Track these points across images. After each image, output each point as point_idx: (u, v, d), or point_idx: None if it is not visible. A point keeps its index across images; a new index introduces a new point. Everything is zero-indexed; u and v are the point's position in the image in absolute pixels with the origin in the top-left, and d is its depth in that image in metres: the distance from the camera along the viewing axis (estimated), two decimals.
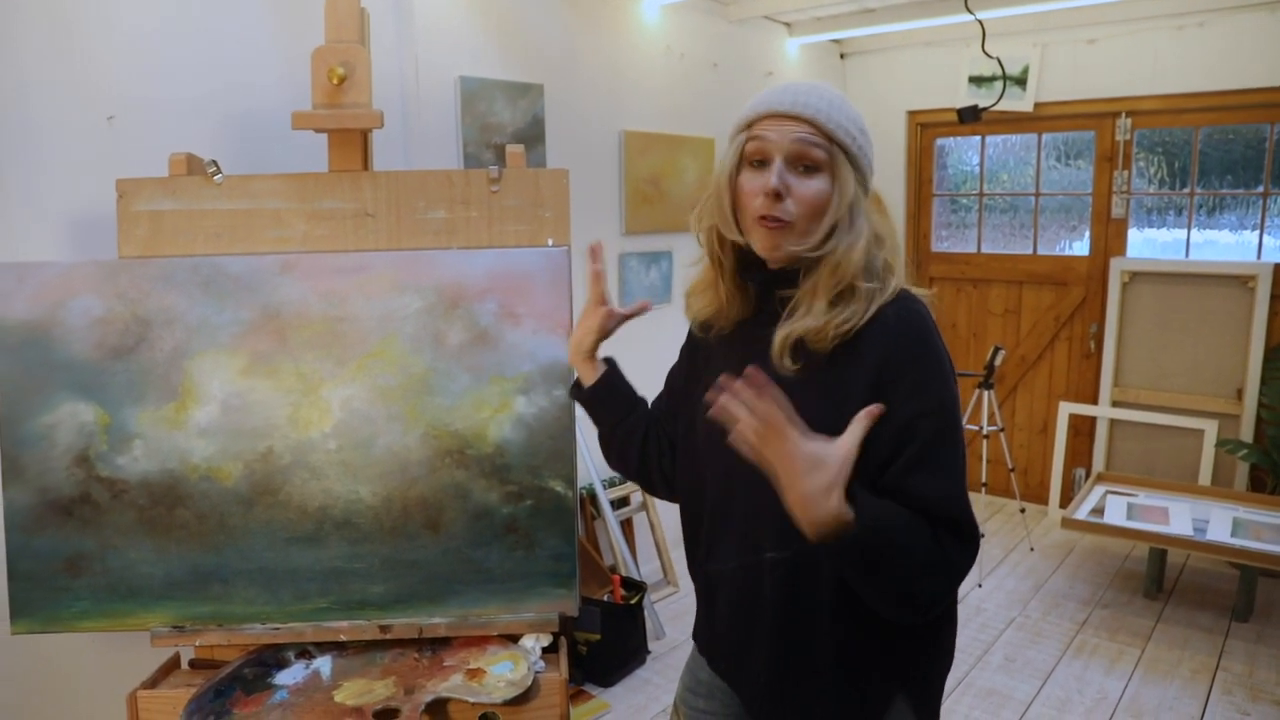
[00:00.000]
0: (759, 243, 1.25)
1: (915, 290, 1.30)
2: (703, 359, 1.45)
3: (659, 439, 1.52)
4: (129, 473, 1.77)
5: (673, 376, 1.54)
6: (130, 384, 1.77)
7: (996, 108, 4.21)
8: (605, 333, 1.52)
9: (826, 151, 1.22)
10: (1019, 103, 4.54)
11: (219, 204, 1.87)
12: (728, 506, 1.33)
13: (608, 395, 1.54)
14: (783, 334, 1.24)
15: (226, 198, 1.87)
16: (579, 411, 1.81)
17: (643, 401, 1.57)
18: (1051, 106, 4.54)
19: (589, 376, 1.53)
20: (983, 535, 3.66)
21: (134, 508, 1.78)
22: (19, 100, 2.07)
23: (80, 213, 2.17)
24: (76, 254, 2.16)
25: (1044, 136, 4.69)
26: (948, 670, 1.40)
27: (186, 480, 1.78)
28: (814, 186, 1.22)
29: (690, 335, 1.52)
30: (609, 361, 1.57)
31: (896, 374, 1.20)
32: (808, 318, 1.22)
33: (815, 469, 1.09)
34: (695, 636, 1.53)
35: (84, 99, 2.16)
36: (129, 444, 1.77)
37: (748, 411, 1.10)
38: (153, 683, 1.76)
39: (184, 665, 1.88)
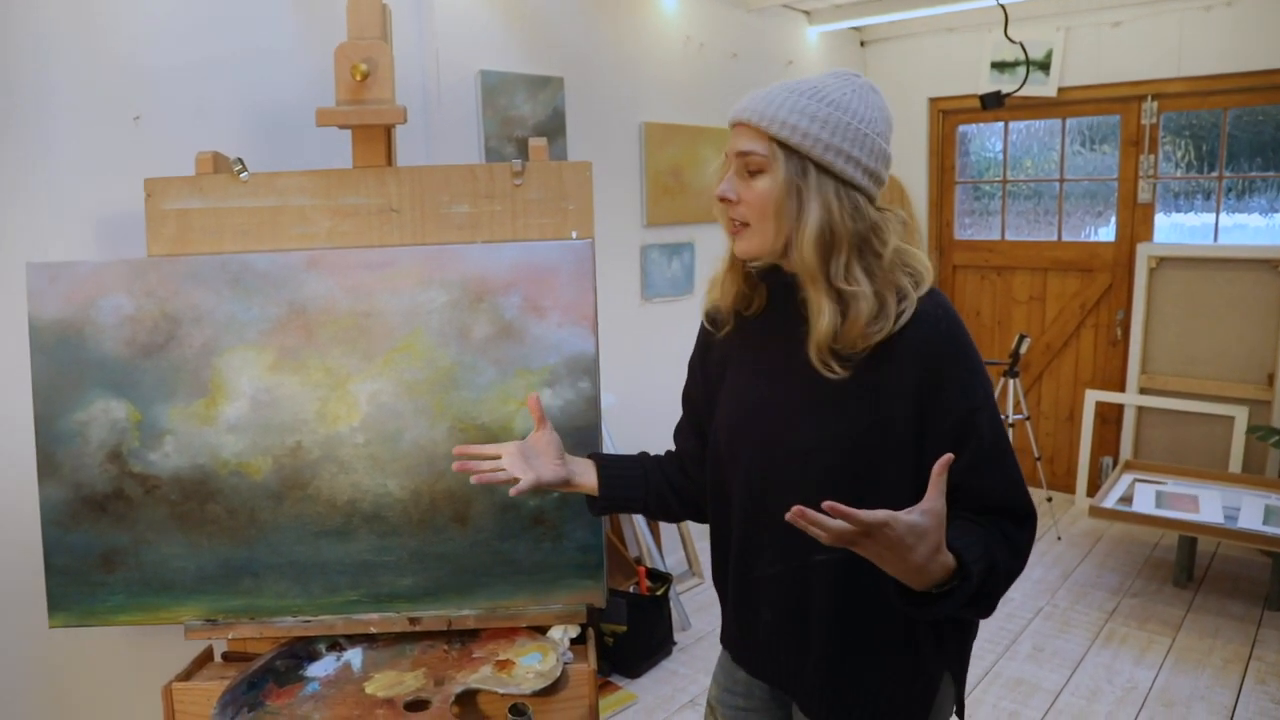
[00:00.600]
0: (733, 246, 1.33)
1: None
2: (717, 365, 1.45)
3: (684, 479, 1.53)
4: (161, 468, 1.79)
5: (689, 395, 1.53)
6: (161, 381, 1.79)
7: (1020, 93, 4.16)
8: (557, 448, 1.46)
9: (765, 150, 1.24)
10: (1042, 88, 4.50)
11: (245, 201, 1.88)
12: (760, 514, 1.33)
13: (619, 490, 1.51)
14: (813, 343, 1.25)
15: (252, 195, 1.88)
16: (605, 402, 1.82)
17: (648, 463, 1.55)
18: (1076, 91, 4.49)
19: (588, 485, 1.49)
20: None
21: (166, 503, 1.80)
22: (47, 102, 2.09)
23: (108, 212, 2.19)
24: (105, 253, 2.19)
25: (1068, 121, 4.64)
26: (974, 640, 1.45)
27: (217, 475, 1.80)
28: (757, 188, 1.26)
29: (701, 344, 1.50)
30: (593, 458, 1.51)
31: (946, 372, 1.22)
32: (821, 319, 1.23)
33: (920, 541, 1.04)
34: (726, 644, 1.51)
35: (110, 100, 2.18)
36: (160, 440, 1.79)
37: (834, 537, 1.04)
38: (187, 675, 1.78)
39: (217, 658, 1.90)
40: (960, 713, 1.43)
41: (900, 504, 1.12)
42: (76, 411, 1.78)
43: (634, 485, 1.51)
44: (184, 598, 1.82)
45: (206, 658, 1.87)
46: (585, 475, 1.48)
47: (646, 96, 3.74)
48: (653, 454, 1.58)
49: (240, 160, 1.89)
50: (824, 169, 1.22)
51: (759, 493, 1.34)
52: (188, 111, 2.31)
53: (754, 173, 1.26)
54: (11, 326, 2.00)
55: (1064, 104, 4.56)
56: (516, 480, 1.38)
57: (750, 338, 1.39)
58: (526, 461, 1.41)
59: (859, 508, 1.10)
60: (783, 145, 1.23)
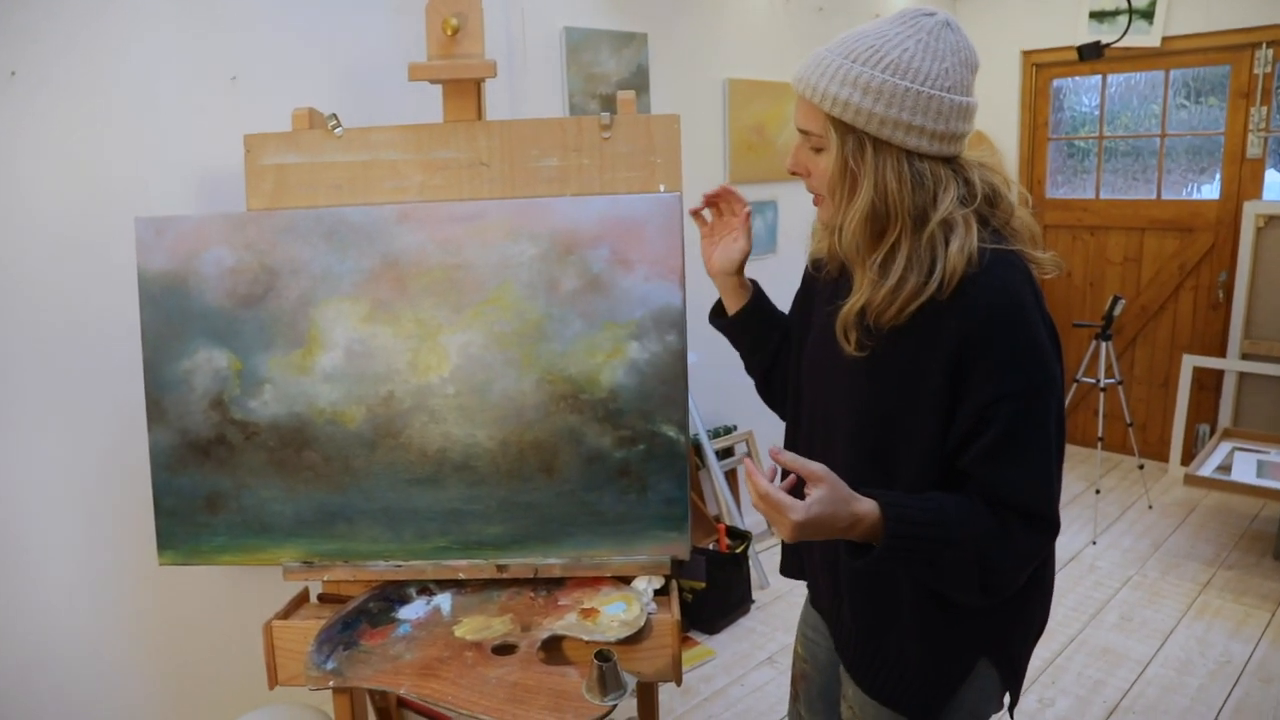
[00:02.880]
0: (819, 213, 1.32)
1: (1028, 252, 1.21)
2: (803, 307, 1.49)
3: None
4: (260, 416, 1.86)
5: (790, 310, 1.57)
6: (260, 331, 1.84)
7: (1120, 43, 3.98)
8: (748, 239, 1.55)
9: (821, 129, 1.20)
10: (1145, 37, 4.29)
11: (339, 156, 1.92)
12: (820, 453, 1.31)
13: (755, 321, 1.57)
14: (841, 316, 1.24)
15: (346, 150, 1.92)
16: (691, 358, 1.82)
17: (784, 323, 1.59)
18: (1181, 40, 4.27)
19: (736, 299, 1.57)
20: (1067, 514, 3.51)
21: (265, 449, 1.86)
22: (152, 68, 2.16)
23: (209, 168, 2.26)
24: (206, 208, 2.26)
25: (1172, 73, 4.42)
26: (1037, 636, 1.38)
27: (313, 423, 1.85)
28: (821, 165, 1.23)
29: (804, 281, 1.52)
30: (754, 284, 1.60)
31: (978, 353, 1.15)
32: (855, 294, 1.22)
33: (826, 523, 1.12)
34: (787, 572, 1.59)
35: (209, 62, 2.24)
36: (259, 388, 1.85)
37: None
38: (286, 614, 1.85)
39: (312, 600, 1.97)
40: (1013, 702, 1.39)
41: (920, 485, 1.18)
42: (182, 360, 1.85)
43: (776, 326, 1.57)
44: (282, 540, 1.88)
45: (303, 599, 1.94)
46: (740, 290, 1.58)
47: (730, 53, 3.68)
48: None
49: (335, 116, 1.93)
50: (883, 143, 1.16)
51: (808, 445, 1.39)
52: (282, 70, 2.35)
53: (817, 149, 1.23)
54: (122, 278, 2.08)
55: (1168, 54, 4.35)
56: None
57: (824, 294, 1.38)
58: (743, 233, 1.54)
59: (880, 481, 1.19)
60: (836, 122, 1.17)
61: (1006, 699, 1.38)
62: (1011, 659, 1.34)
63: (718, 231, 1.57)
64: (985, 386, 1.15)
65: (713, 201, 1.56)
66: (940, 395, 1.18)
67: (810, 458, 1.16)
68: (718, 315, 1.62)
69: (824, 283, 1.40)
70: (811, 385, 1.41)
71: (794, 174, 1.29)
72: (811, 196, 1.31)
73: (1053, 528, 1.19)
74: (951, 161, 1.20)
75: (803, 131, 1.23)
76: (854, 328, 1.22)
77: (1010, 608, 1.28)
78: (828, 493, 1.10)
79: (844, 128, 1.17)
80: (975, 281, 1.15)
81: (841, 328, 1.24)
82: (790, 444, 1.47)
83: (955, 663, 1.30)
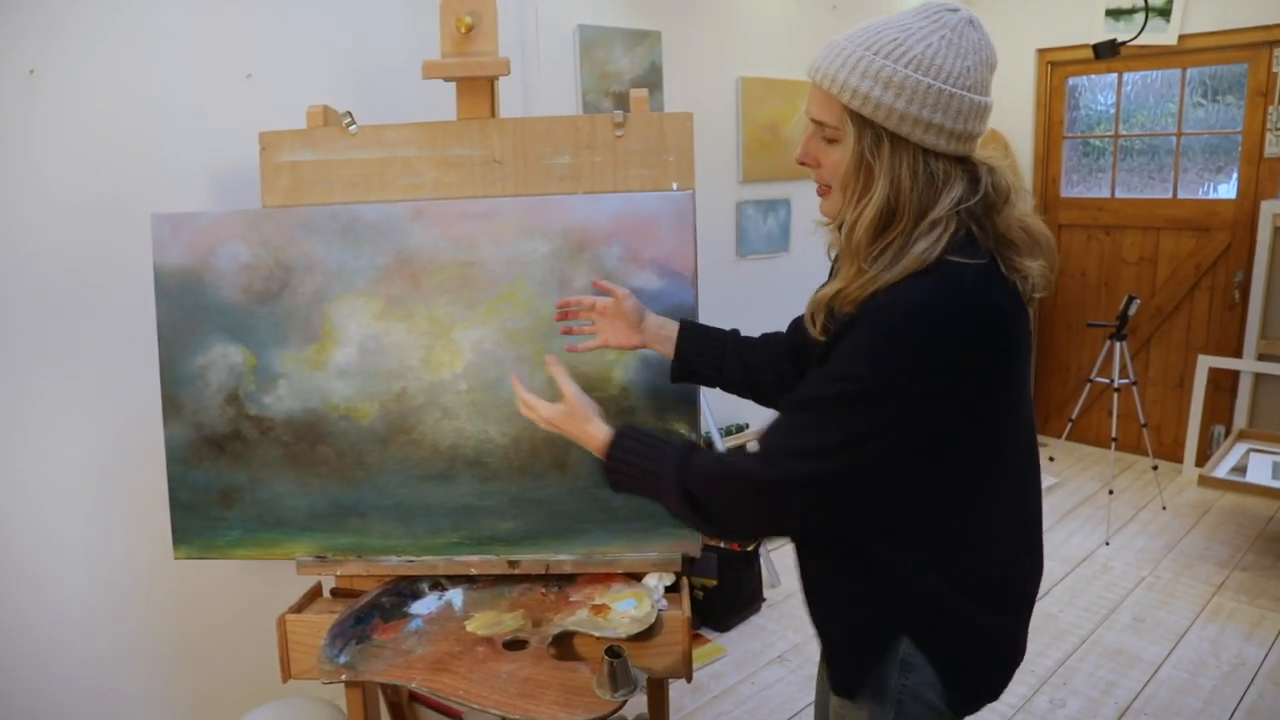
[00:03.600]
0: (821, 205, 1.30)
1: (1016, 261, 1.17)
2: None
3: (768, 360, 1.56)
4: (274, 411, 1.87)
5: None
6: (275, 327, 1.85)
7: (1136, 41, 3.96)
8: (633, 314, 1.62)
9: (837, 121, 1.17)
10: (1161, 35, 4.27)
11: (354, 153, 1.93)
12: None
13: (694, 359, 1.60)
14: (815, 298, 1.25)
15: (361, 147, 1.93)
16: None
17: (733, 341, 1.60)
18: (1198, 38, 4.24)
19: (667, 351, 1.63)
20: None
21: (279, 444, 1.87)
22: (168, 65, 2.18)
23: (225, 166, 2.28)
24: (222, 204, 2.27)
25: (1188, 71, 4.39)
26: (1005, 659, 1.32)
27: (327, 419, 1.87)
28: (833, 157, 1.21)
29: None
30: (681, 324, 1.62)
31: (842, 332, 1.15)
32: (837, 280, 1.21)
33: (569, 419, 1.42)
34: None
35: (225, 59, 2.26)
36: (274, 384, 1.87)
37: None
38: (299, 608, 1.87)
39: (325, 594, 1.98)
40: (966, 706, 1.30)
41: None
42: (197, 355, 1.86)
43: (711, 356, 1.59)
44: (296, 535, 1.90)
45: (316, 593, 1.96)
46: (665, 344, 1.61)
47: (744, 51, 3.68)
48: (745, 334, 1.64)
49: (349, 114, 1.94)
50: (901, 139, 1.14)
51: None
52: (297, 68, 2.37)
53: (830, 140, 1.20)
54: (138, 274, 2.10)
55: (1185, 52, 4.32)
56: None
57: None
58: (610, 324, 1.63)
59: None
60: (854, 115, 1.15)
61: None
62: (950, 658, 1.26)
63: (597, 327, 1.65)
64: (827, 362, 1.15)
65: (565, 315, 1.67)
66: None
67: None
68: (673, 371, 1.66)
69: None
70: None
71: (802, 164, 1.26)
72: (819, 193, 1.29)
73: (759, 471, 1.19)
74: (964, 161, 1.18)
75: (816, 122, 1.21)
76: (822, 311, 1.25)
77: (922, 586, 1.23)
78: (564, 408, 1.42)
79: (862, 121, 1.14)
80: (916, 279, 1.12)
81: (810, 311, 1.28)
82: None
83: (869, 636, 1.28)
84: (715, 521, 1.26)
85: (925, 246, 1.12)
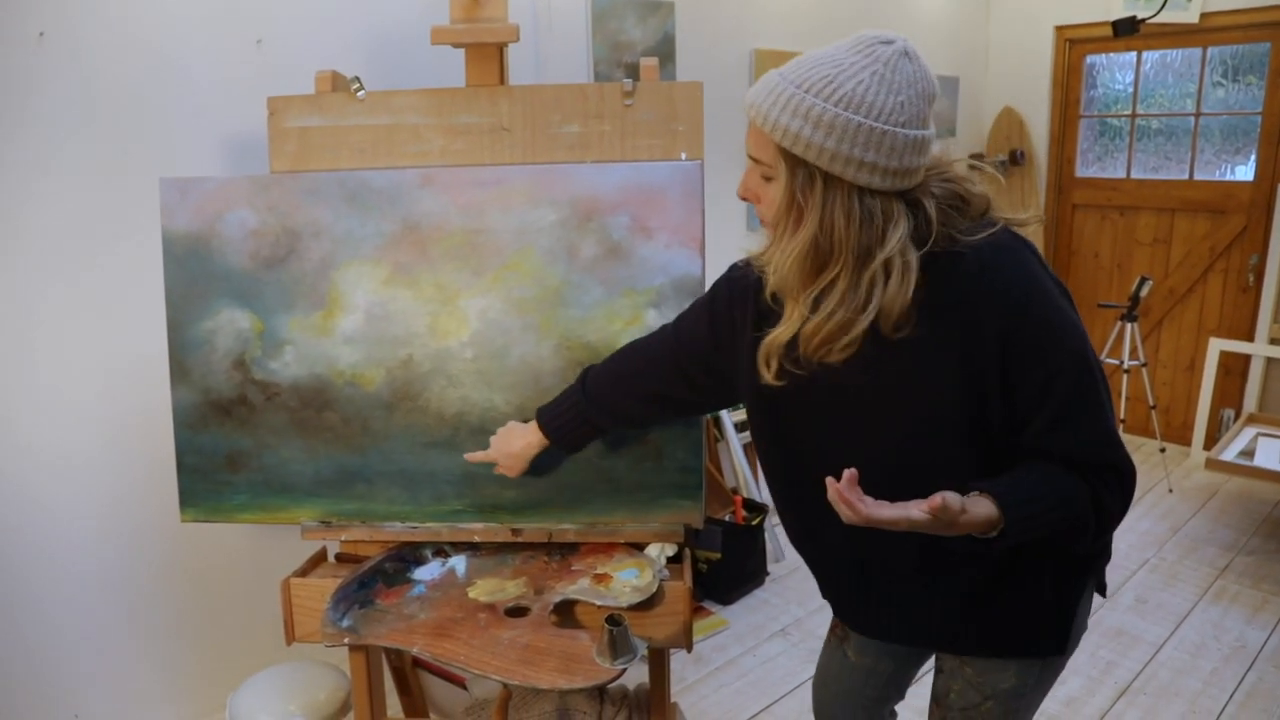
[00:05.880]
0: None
1: (1013, 218, 1.24)
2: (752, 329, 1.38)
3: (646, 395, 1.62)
4: (281, 377, 1.87)
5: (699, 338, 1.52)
6: (282, 292, 1.86)
7: (1157, 19, 3.90)
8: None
9: (770, 159, 1.17)
10: (1183, 13, 4.21)
11: (362, 120, 1.92)
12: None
13: (568, 436, 1.71)
14: (765, 344, 1.24)
15: (369, 113, 1.92)
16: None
17: (585, 401, 1.66)
18: (1220, 17, 4.18)
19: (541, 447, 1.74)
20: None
21: (285, 410, 1.88)
22: (175, 30, 2.17)
23: (233, 130, 2.27)
24: (231, 169, 2.27)
25: (1209, 50, 4.34)
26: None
27: (333, 385, 1.87)
28: (770, 194, 1.20)
29: (745, 301, 1.40)
30: (539, 418, 1.72)
31: (1014, 343, 1.17)
32: (784, 324, 1.21)
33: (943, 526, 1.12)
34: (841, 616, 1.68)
35: (235, 24, 2.25)
36: (281, 350, 1.87)
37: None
38: (304, 572, 1.88)
39: (330, 559, 2.00)
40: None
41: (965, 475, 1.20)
42: (205, 320, 1.87)
43: (577, 426, 1.68)
44: (301, 500, 1.91)
45: (320, 558, 1.97)
46: (537, 446, 1.72)
47: (758, 23, 3.64)
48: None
49: (358, 79, 1.93)
50: (834, 178, 1.12)
51: (818, 464, 1.39)
52: (306, 33, 2.36)
53: (766, 178, 1.20)
54: (146, 239, 2.10)
55: (1206, 31, 4.26)
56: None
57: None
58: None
59: (924, 490, 1.16)
60: (786, 154, 1.14)
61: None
62: (1098, 564, 1.42)
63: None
64: (1035, 371, 1.17)
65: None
66: (974, 384, 1.19)
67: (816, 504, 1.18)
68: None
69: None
70: (804, 435, 1.37)
71: (744, 199, 1.25)
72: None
73: (1131, 472, 1.23)
74: (906, 194, 1.16)
75: (753, 159, 1.20)
76: (776, 356, 1.23)
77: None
78: (932, 519, 1.08)
79: (794, 160, 1.13)
80: (990, 272, 1.16)
81: (764, 356, 1.24)
82: (795, 502, 1.52)
83: (1072, 590, 1.37)
84: (1114, 526, 1.29)
85: (897, 284, 1.13)
